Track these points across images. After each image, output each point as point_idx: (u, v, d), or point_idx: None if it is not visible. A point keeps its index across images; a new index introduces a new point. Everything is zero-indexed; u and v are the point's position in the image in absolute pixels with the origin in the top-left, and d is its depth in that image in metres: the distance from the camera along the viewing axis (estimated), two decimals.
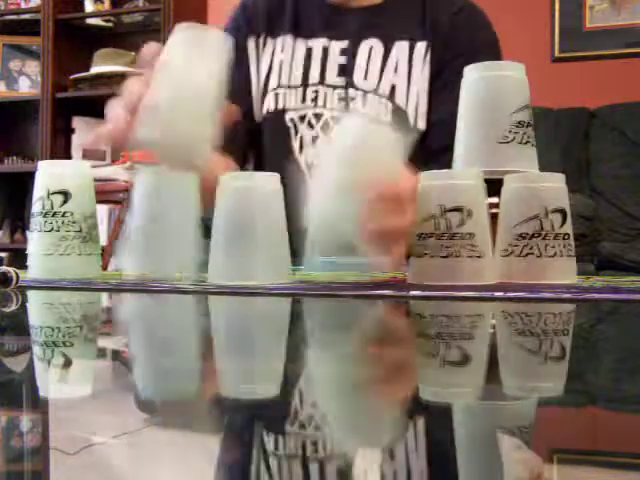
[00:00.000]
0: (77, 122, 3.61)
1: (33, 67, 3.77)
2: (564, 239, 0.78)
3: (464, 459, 0.23)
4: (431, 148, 1.09)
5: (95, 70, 3.46)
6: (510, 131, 0.79)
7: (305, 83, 1.17)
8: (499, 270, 0.78)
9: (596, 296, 0.66)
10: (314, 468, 0.21)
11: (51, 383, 0.34)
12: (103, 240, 3.37)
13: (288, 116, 1.17)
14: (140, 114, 0.71)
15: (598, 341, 0.48)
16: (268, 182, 0.78)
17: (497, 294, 0.66)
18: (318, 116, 1.15)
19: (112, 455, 0.23)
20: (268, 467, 0.21)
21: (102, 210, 3.51)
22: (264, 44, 1.20)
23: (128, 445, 0.24)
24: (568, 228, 0.78)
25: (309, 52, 1.17)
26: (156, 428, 0.27)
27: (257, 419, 0.27)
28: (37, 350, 0.42)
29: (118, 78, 3.44)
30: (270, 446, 0.23)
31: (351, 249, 0.73)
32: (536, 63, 3.06)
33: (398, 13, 1.16)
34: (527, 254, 0.77)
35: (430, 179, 0.76)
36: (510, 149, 0.80)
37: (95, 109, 3.65)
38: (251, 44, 1.21)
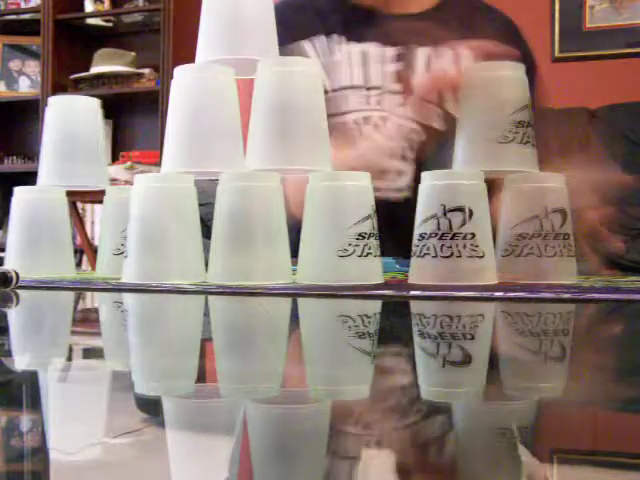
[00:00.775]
0: None
1: (33, 67, 3.77)
2: (564, 239, 0.78)
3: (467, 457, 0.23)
4: None
5: (95, 70, 3.46)
6: (510, 131, 0.79)
7: (367, 85, 1.16)
8: (499, 270, 0.78)
9: (596, 296, 0.66)
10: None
11: (55, 382, 0.34)
12: None
13: (352, 117, 1.16)
14: None
15: (598, 341, 0.48)
16: (269, 180, 0.78)
17: (497, 294, 0.66)
18: (384, 119, 1.14)
19: (112, 455, 0.23)
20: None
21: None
22: (321, 45, 1.19)
23: (128, 445, 0.24)
24: (568, 228, 0.78)
25: (365, 55, 1.17)
26: (156, 428, 0.27)
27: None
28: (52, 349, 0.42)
29: (118, 78, 3.45)
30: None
31: None
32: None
33: (446, 21, 1.16)
34: (527, 254, 0.77)
35: (432, 179, 0.76)
36: (510, 149, 0.80)
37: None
38: (310, 49, 1.19)
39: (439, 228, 0.73)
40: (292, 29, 1.20)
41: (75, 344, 0.47)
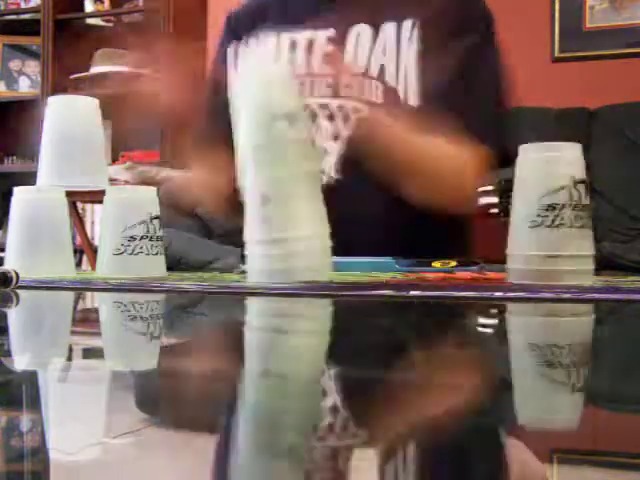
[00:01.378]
0: None
1: (33, 67, 3.77)
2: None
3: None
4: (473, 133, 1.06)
5: (95, 70, 3.46)
6: (538, 215, 0.78)
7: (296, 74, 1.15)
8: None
9: (596, 296, 0.66)
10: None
11: (57, 382, 0.34)
12: None
13: None
14: None
15: (598, 341, 0.48)
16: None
17: (497, 294, 0.66)
18: (305, 106, 1.15)
19: (112, 455, 0.23)
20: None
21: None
22: (244, 44, 1.20)
23: (128, 445, 0.24)
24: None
25: (293, 44, 1.17)
26: (156, 428, 0.27)
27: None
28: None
29: (118, 78, 3.45)
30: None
31: None
32: (536, 63, 3.06)
33: None
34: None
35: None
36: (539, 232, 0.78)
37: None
38: (230, 53, 1.21)
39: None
40: (228, 40, 1.22)
41: (76, 344, 0.47)
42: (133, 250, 0.87)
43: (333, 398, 0.30)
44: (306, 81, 1.15)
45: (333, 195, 0.82)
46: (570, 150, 0.79)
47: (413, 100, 1.11)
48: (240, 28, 1.22)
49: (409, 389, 0.33)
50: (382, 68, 1.12)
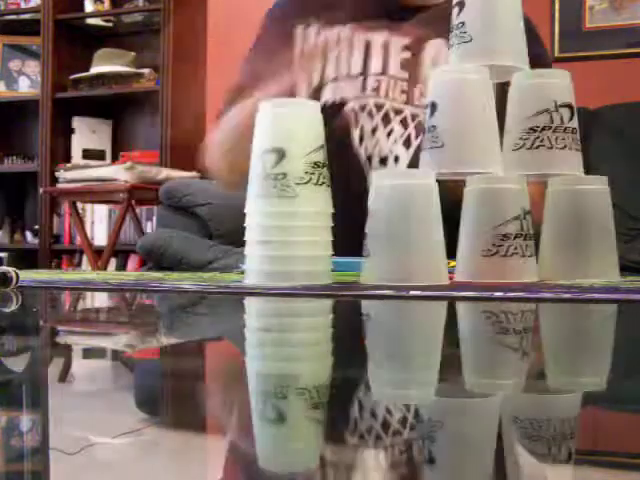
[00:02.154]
0: (77, 122, 3.61)
1: (33, 67, 3.77)
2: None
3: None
4: None
5: (95, 70, 3.46)
6: (520, 138, 0.80)
7: (365, 73, 1.13)
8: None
9: (596, 296, 0.66)
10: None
11: (59, 382, 0.34)
12: (103, 240, 3.37)
13: (349, 106, 1.13)
14: None
15: (598, 341, 0.48)
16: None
17: (497, 294, 0.66)
18: (379, 106, 1.11)
19: (112, 455, 0.23)
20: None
21: (102, 210, 3.51)
22: (317, 34, 1.15)
23: (128, 445, 0.24)
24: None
25: (368, 44, 1.13)
26: (156, 428, 0.27)
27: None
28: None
29: (118, 78, 3.45)
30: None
31: None
32: None
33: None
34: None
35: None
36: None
37: (95, 109, 3.65)
38: (299, 33, 1.15)
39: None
40: (290, 14, 1.17)
41: (75, 344, 0.47)
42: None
43: (333, 399, 0.30)
44: (382, 80, 1.12)
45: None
46: (553, 77, 0.81)
47: None
48: (308, 10, 1.16)
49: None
50: None
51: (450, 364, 0.38)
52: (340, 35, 1.15)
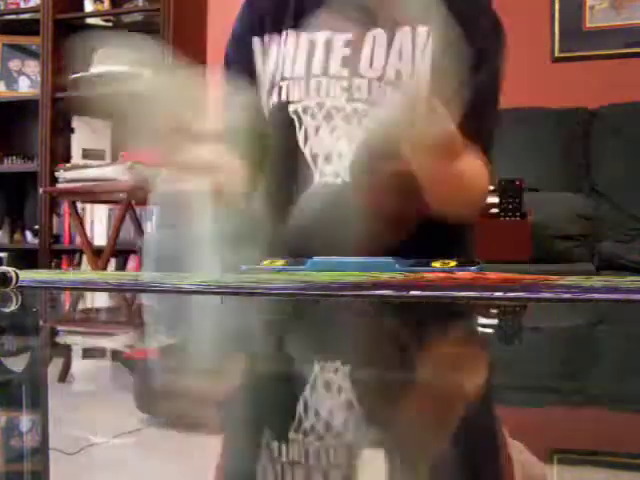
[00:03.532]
0: (77, 122, 3.61)
1: (33, 67, 3.77)
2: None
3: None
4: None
5: (95, 70, 3.46)
6: None
7: (308, 74, 1.16)
8: None
9: (596, 296, 0.66)
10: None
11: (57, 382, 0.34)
12: (103, 240, 3.37)
13: (292, 108, 1.17)
14: None
15: (598, 341, 0.48)
16: None
17: (497, 294, 0.66)
18: (320, 105, 1.15)
19: (112, 455, 0.23)
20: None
21: (102, 210, 3.51)
22: (270, 42, 1.20)
23: (128, 445, 0.24)
24: None
25: (312, 44, 1.17)
26: (156, 428, 0.27)
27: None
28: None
29: (118, 78, 3.45)
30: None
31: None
32: (536, 63, 3.05)
33: (398, 2, 1.16)
34: None
35: None
36: None
37: (95, 109, 3.65)
38: (257, 44, 1.21)
39: None
40: (252, 26, 1.22)
41: (75, 344, 0.47)
42: None
43: (334, 401, 0.30)
44: (322, 81, 1.15)
45: (342, 197, 0.83)
46: None
47: None
48: (262, 19, 1.21)
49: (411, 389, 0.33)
50: (398, 73, 1.13)
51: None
52: (287, 39, 1.18)
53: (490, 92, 1.14)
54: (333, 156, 1.12)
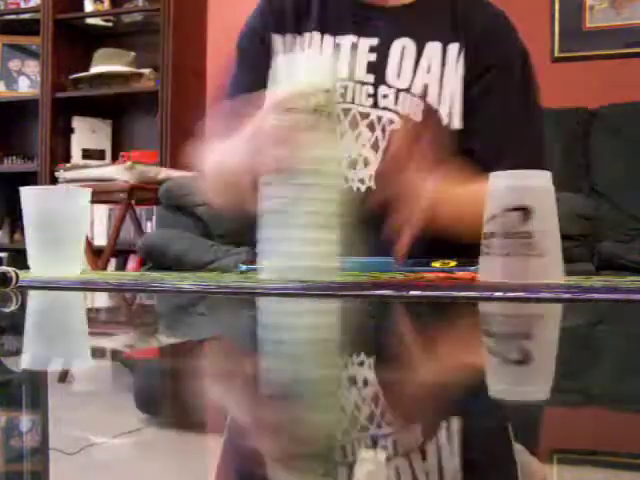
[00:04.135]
0: (77, 122, 3.61)
1: (33, 67, 3.77)
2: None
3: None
4: (479, 156, 1.07)
5: (95, 70, 3.46)
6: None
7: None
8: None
9: (596, 296, 0.66)
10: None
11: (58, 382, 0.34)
12: (103, 240, 3.37)
13: None
14: None
15: (598, 341, 0.48)
16: None
17: (497, 294, 0.66)
18: (346, 111, 1.13)
19: (112, 455, 0.23)
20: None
21: (102, 210, 3.51)
22: (292, 42, 1.18)
23: (128, 445, 0.24)
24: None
25: (337, 48, 1.15)
26: (156, 428, 0.27)
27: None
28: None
29: (118, 78, 3.45)
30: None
31: None
32: (536, 63, 3.05)
33: (429, 14, 1.15)
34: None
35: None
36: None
37: (95, 109, 3.65)
38: (279, 42, 1.18)
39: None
40: (268, 23, 1.20)
41: (81, 344, 0.47)
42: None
43: (334, 401, 0.30)
44: (349, 86, 1.14)
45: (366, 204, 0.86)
46: (509, 179, 0.78)
47: (457, 123, 1.10)
48: (283, 18, 1.19)
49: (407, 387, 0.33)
50: (425, 87, 1.12)
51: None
52: (311, 41, 1.17)
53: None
54: (359, 162, 1.12)
